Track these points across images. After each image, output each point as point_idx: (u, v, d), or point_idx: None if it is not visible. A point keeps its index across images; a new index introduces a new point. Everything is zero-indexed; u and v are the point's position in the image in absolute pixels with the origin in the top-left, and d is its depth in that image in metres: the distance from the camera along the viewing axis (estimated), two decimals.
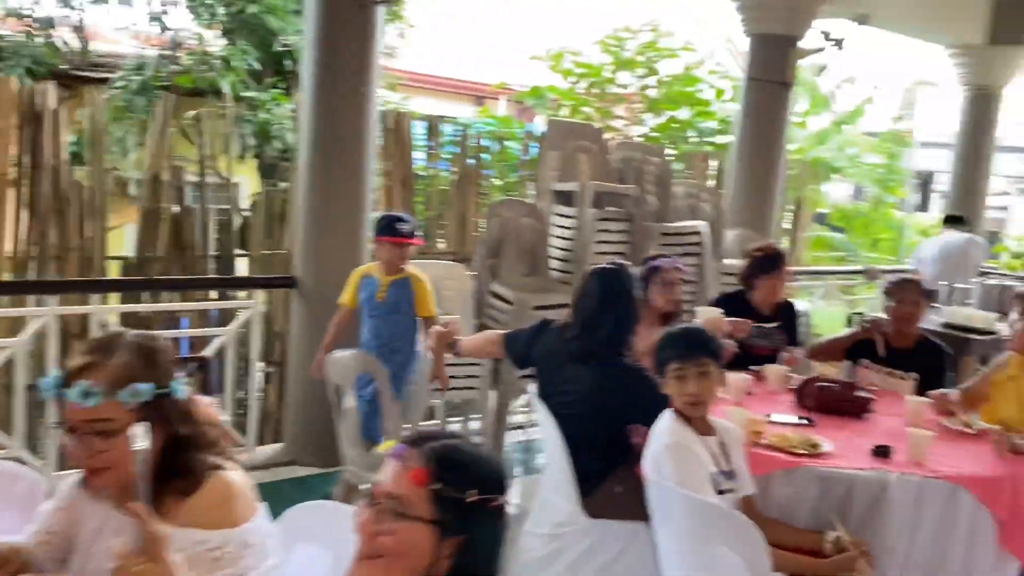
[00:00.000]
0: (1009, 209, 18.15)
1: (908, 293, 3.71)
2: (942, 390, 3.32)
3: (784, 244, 8.91)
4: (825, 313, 6.57)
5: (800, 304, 6.24)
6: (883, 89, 11.59)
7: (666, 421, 2.52)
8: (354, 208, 4.19)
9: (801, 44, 6.10)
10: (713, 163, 8.11)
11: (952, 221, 7.25)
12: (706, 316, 3.29)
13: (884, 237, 12.17)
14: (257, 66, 8.17)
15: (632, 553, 2.87)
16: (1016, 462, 2.76)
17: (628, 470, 2.92)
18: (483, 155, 6.77)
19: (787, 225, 9.03)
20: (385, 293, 3.76)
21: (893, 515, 2.55)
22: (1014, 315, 3.19)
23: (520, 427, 5.05)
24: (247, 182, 8.76)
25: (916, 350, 3.72)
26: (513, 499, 1.33)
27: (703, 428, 2.53)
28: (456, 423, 4.94)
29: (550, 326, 3.10)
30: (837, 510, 2.59)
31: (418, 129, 6.59)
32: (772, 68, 5.99)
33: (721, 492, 2.44)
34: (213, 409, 1.63)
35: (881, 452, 2.73)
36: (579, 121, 6.97)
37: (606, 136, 9.78)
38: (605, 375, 2.88)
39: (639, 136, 10.61)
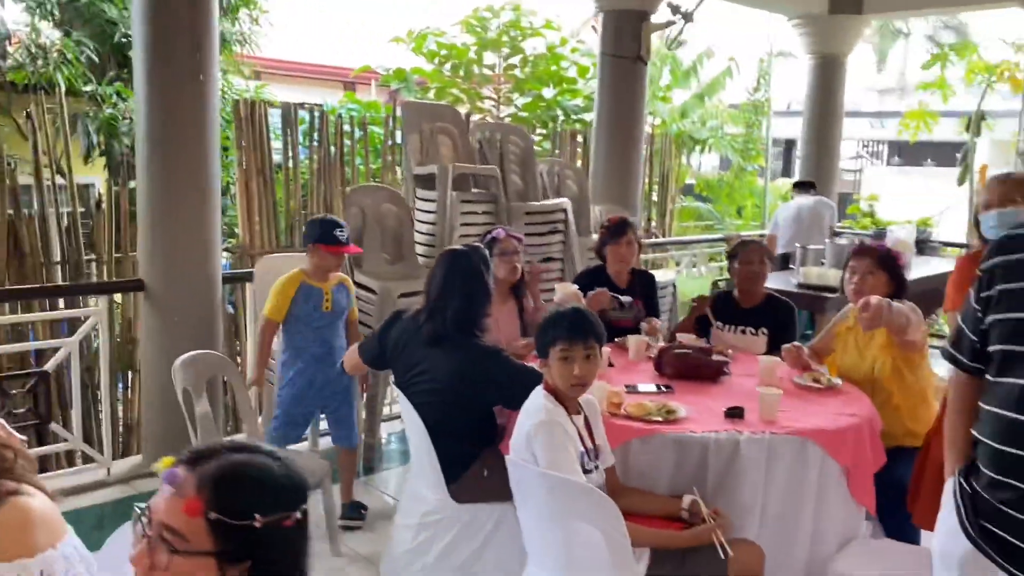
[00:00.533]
0: (863, 171, 19.19)
1: (751, 254, 3.86)
2: (797, 343, 3.45)
3: (653, 217, 9.13)
4: (692, 281, 6.75)
5: (666, 274, 6.41)
6: (741, 61, 11.98)
7: (538, 399, 2.49)
8: (200, 204, 3.99)
9: (654, 18, 6.21)
10: (581, 140, 8.20)
11: (801, 186, 7.58)
12: (563, 291, 3.30)
13: (748, 204, 12.65)
14: (96, 59, 7.69)
15: (502, 534, 2.86)
16: (857, 410, 2.89)
17: (494, 453, 2.91)
18: (346, 142, 6.60)
19: (656, 198, 9.25)
20: (331, 301, 3.65)
21: (747, 473, 2.62)
22: (849, 269, 3.34)
23: (398, 417, 4.98)
24: (100, 182, 8.28)
25: (765, 307, 3.87)
26: (304, 508, 1.20)
27: (573, 408, 2.53)
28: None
29: (402, 316, 3.05)
30: (694, 473, 2.64)
31: (276, 118, 6.36)
32: (626, 43, 6.07)
33: (587, 471, 2.45)
34: (4, 430, 1.49)
35: (734, 413, 2.80)
36: (436, 102, 6.89)
37: (475, 117, 9.77)
38: (460, 357, 2.85)
39: (507, 116, 10.62)
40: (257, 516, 1.11)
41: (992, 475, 1.74)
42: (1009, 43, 9.45)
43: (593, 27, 14.77)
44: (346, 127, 6.60)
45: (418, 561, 2.93)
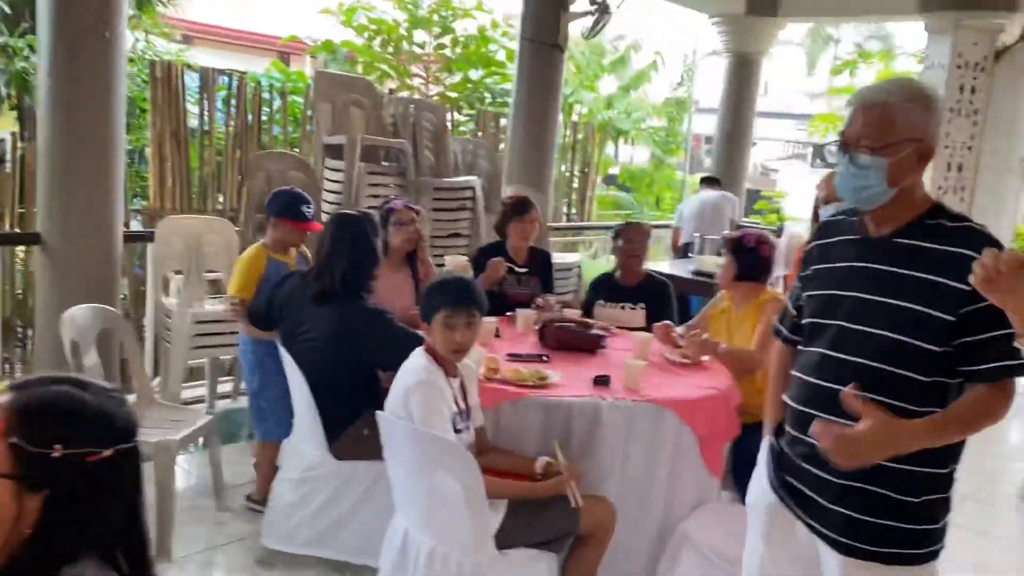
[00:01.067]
0: (780, 170, 19.82)
1: (631, 234, 4.10)
2: (666, 321, 3.66)
3: (573, 201, 9.34)
4: (596, 264, 6.97)
5: (574, 256, 6.60)
6: (670, 57, 12.27)
7: (418, 359, 2.62)
8: (102, 161, 3.98)
9: (573, 8, 6.36)
10: (504, 123, 8.32)
11: (708, 182, 7.86)
12: (453, 263, 3.43)
13: (667, 196, 12.99)
14: (9, 10, 7.49)
15: (380, 490, 2.98)
16: (716, 383, 3.10)
17: (375, 412, 3.03)
18: (264, 109, 6.60)
19: (576, 184, 9.45)
20: None
21: (607, 437, 2.81)
22: (723, 256, 3.56)
23: None
24: (9, 137, 8.05)
25: (644, 285, 4.11)
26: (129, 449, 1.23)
27: (451, 370, 2.66)
28: (229, 382, 4.88)
29: (292, 275, 3.15)
30: (560, 436, 2.81)
31: (196, 82, 6.33)
32: (545, 30, 6.20)
33: (458, 431, 2.59)
34: None
35: (601, 381, 2.98)
36: (350, 74, 6.90)
37: (403, 94, 9.79)
38: (343, 317, 2.96)
39: (435, 95, 10.68)
40: (56, 447, 1.13)
41: (793, 433, 1.95)
42: (913, 54, 9.94)
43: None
44: (265, 95, 6.60)
45: (298, 513, 3.04)
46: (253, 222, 4.51)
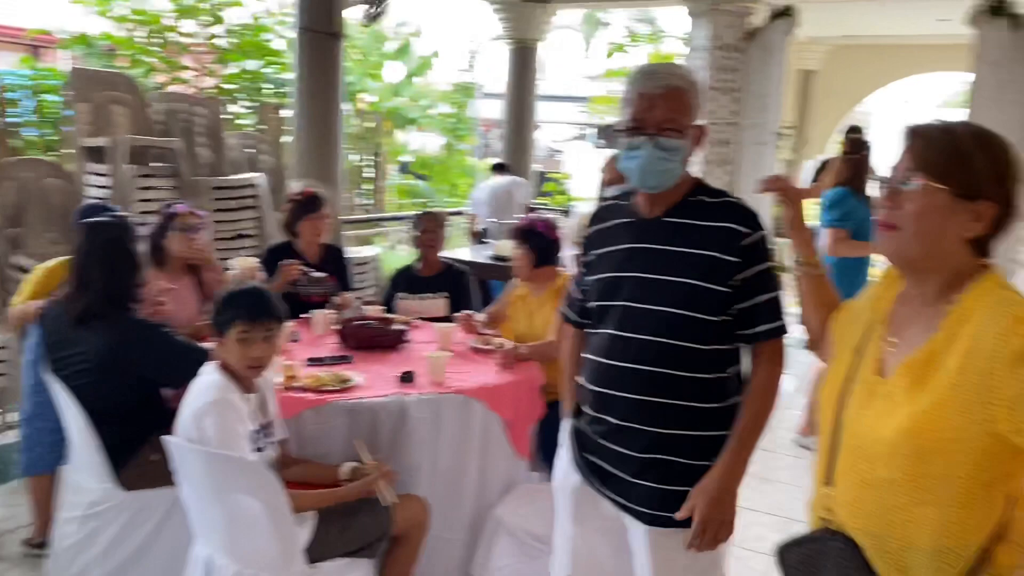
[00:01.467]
0: (564, 152, 20.55)
1: (424, 223, 4.09)
2: (467, 311, 3.67)
3: (369, 193, 9.19)
4: (395, 256, 6.89)
5: (371, 249, 6.49)
6: (457, 43, 12.33)
7: (210, 376, 2.42)
8: None
9: None
10: (286, 114, 8.01)
11: (498, 168, 8.00)
12: (241, 265, 3.22)
13: (461, 183, 13.08)
14: None
15: (176, 519, 2.78)
16: (520, 370, 3.15)
17: (163, 434, 2.81)
18: (12, 110, 5.97)
19: (369, 174, 9.30)
20: None
21: (416, 433, 2.77)
22: (515, 247, 3.59)
23: None
24: None
25: (443, 275, 4.11)
26: None
27: (248, 386, 2.50)
28: None
29: (53, 303, 2.85)
30: (367, 438, 2.74)
31: None
32: (321, 19, 6.00)
33: (259, 449, 2.45)
34: None
35: (406, 378, 2.93)
36: (109, 70, 6.37)
37: (172, 88, 9.17)
38: (113, 335, 2.70)
39: (211, 88, 10.10)
40: None
41: (591, 413, 2.00)
42: (680, 37, 10.61)
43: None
44: (12, 95, 5.96)
45: (84, 555, 2.77)
46: (4, 238, 4.05)
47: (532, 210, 7.71)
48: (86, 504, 2.79)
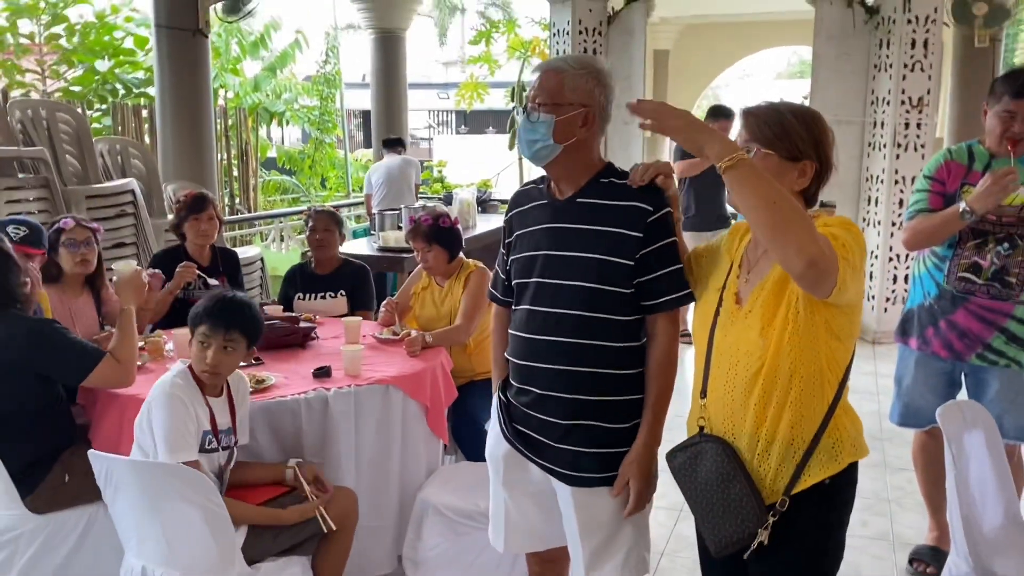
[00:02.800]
0: (434, 139, 20.59)
1: (316, 222, 4.07)
2: (389, 299, 3.73)
3: (236, 192, 8.95)
4: (279, 255, 6.79)
5: (252, 249, 6.37)
6: (310, 33, 12.07)
7: (172, 373, 2.50)
8: None
9: None
10: (146, 116, 7.70)
11: (390, 144, 7.90)
12: (120, 270, 3.04)
13: (331, 175, 12.91)
14: None
15: (94, 536, 2.74)
16: (429, 356, 3.24)
17: (75, 453, 2.74)
18: None
19: (237, 173, 9.05)
20: None
21: (339, 426, 2.81)
22: (414, 249, 3.67)
23: None
24: None
25: (341, 272, 4.11)
26: None
27: (212, 389, 2.53)
28: None
29: None
30: (292, 435, 2.77)
31: None
32: (182, 15, 5.84)
33: (209, 450, 2.46)
34: None
35: (321, 373, 2.97)
36: None
37: (15, 93, 8.63)
38: (4, 333, 2.59)
39: (56, 91, 9.56)
40: None
41: (517, 385, 2.13)
42: (537, 21, 10.83)
43: None
44: None
45: None
46: None
47: (419, 196, 7.78)
48: None
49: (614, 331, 2.01)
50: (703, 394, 1.88)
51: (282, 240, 8.14)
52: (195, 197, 3.95)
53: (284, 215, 7.90)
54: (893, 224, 6.46)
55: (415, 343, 3.27)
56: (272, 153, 12.22)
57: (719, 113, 5.85)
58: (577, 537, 2.09)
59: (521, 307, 2.10)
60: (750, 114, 1.81)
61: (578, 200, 2.03)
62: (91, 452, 2.34)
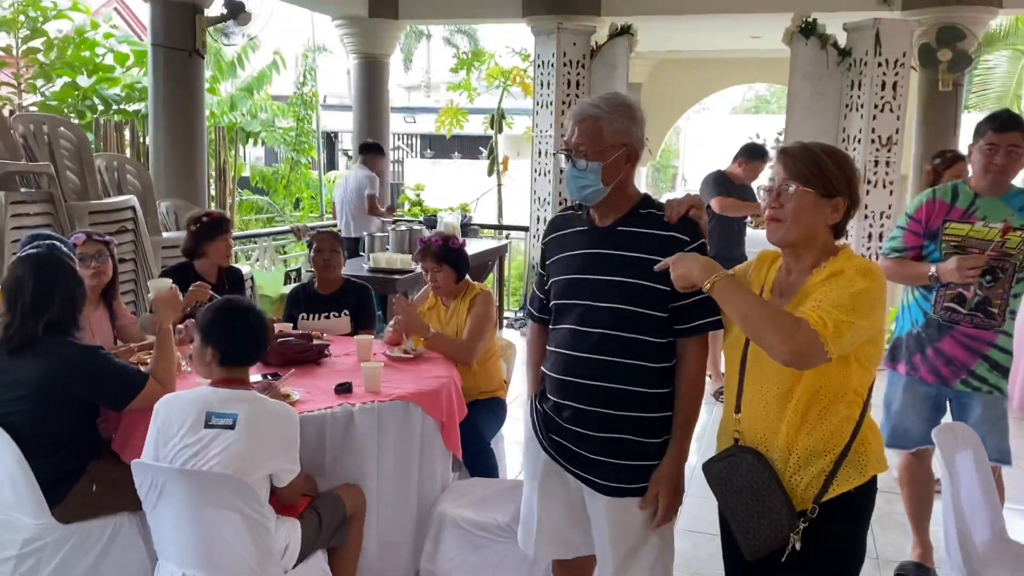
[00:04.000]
0: (403, 163, 20.69)
1: (321, 243, 4.18)
2: (391, 323, 3.83)
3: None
4: (266, 274, 6.83)
5: (243, 269, 6.41)
6: (285, 55, 12.12)
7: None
8: None
9: (208, 12, 6.13)
10: (128, 133, 7.70)
11: (365, 149, 7.69)
12: (156, 287, 3.14)
13: (305, 196, 12.94)
14: None
15: (119, 546, 2.80)
16: (443, 372, 3.35)
17: (101, 465, 2.80)
18: None
19: (214, 192, 9.06)
20: None
21: (361, 440, 2.91)
22: (423, 269, 3.79)
23: None
24: None
25: (344, 291, 4.21)
26: None
27: None
28: None
29: None
30: (312, 450, 2.85)
31: None
32: (179, 35, 5.91)
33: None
34: None
35: (343, 389, 3.06)
36: None
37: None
38: (52, 358, 2.67)
39: (32, 105, 9.50)
40: None
41: (554, 399, 2.26)
42: (517, 51, 11.04)
43: (116, 10, 13.70)
44: None
45: None
46: None
47: (397, 221, 7.86)
48: (21, 542, 2.72)
49: (649, 352, 2.15)
50: (737, 409, 2.03)
51: (258, 260, 8.16)
52: (216, 218, 4.01)
53: (265, 235, 7.93)
54: (863, 256, 6.73)
55: (418, 326, 3.55)
56: (246, 173, 12.22)
57: (755, 154, 5.95)
58: (607, 545, 2.22)
59: (563, 326, 2.23)
60: (787, 154, 1.97)
61: (619, 228, 2.18)
62: (135, 462, 2.41)
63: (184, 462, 2.40)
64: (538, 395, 2.37)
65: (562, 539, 2.37)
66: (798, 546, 1.88)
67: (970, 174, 3.15)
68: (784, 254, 2.03)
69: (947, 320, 3.12)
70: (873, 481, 1.97)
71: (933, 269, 3.03)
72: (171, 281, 3.41)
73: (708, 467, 2.07)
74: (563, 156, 2.17)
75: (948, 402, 3.28)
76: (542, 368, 2.34)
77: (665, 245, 2.12)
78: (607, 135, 2.13)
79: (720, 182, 5.83)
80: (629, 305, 2.13)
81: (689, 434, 2.20)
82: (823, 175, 1.93)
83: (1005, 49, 13.15)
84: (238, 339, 2.58)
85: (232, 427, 2.40)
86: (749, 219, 6.01)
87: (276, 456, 2.47)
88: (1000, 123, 3.01)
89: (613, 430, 2.18)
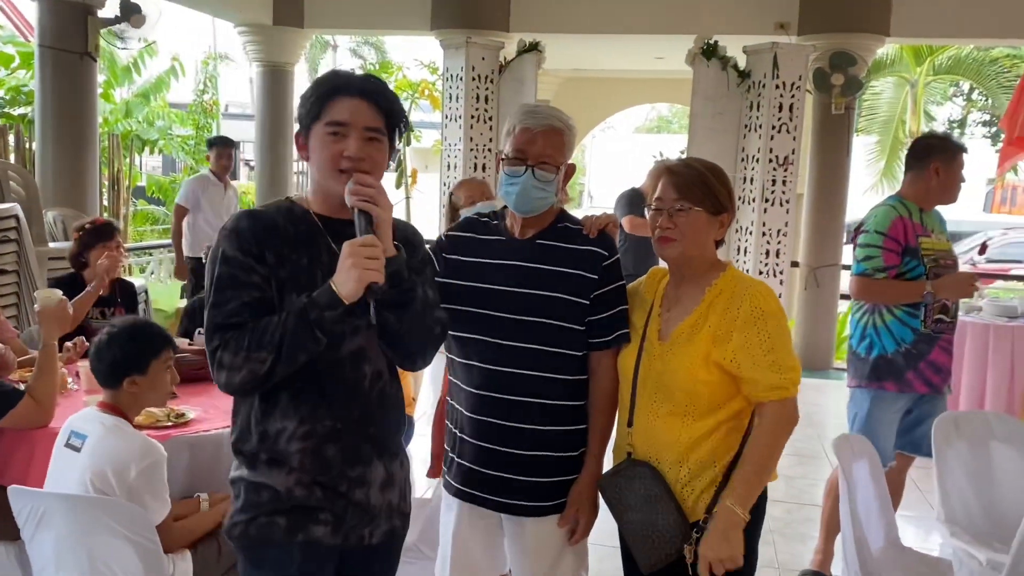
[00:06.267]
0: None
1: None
2: None
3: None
4: (161, 288, 6.56)
5: (136, 281, 6.14)
6: (185, 61, 11.75)
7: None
8: None
9: (102, 13, 5.87)
10: (12, 138, 7.30)
11: (216, 144, 6.92)
12: (44, 300, 2.93)
13: None
14: None
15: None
16: None
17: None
18: None
19: (107, 202, 8.68)
20: None
21: None
22: None
23: None
24: None
25: None
26: None
27: None
28: None
29: None
30: (210, 467, 2.73)
31: None
32: (69, 37, 5.63)
33: None
34: None
35: None
36: None
37: None
38: None
39: None
40: None
41: (473, 415, 2.18)
42: (426, 64, 11.02)
43: (1, 8, 13.04)
44: None
45: None
46: None
47: None
48: None
49: (571, 365, 2.12)
50: (629, 423, 2.06)
51: (152, 273, 7.86)
52: (103, 224, 3.82)
53: (164, 247, 7.63)
54: (760, 273, 6.95)
55: None
56: (142, 182, 11.76)
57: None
58: (528, 563, 2.18)
59: (482, 338, 2.12)
60: (673, 173, 2.02)
61: (539, 242, 2.15)
62: (12, 488, 2.25)
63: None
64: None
65: (476, 567, 2.29)
66: (691, 558, 1.90)
67: (927, 189, 3.24)
68: (671, 270, 2.10)
69: (936, 331, 3.23)
70: (763, 490, 2.00)
71: (929, 287, 3.13)
72: (61, 293, 3.21)
73: (602, 482, 2.09)
74: (515, 164, 2.06)
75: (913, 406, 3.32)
76: (451, 379, 2.26)
77: (585, 259, 2.11)
78: (566, 148, 2.11)
79: (634, 200, 5.83)
80: (553, 319, 2.10)
81: (604, 447, 2.19)
82: (712, 193, 2.00)
83: (890, 76, 13.90)
84: (95, 357, 2.46)
85: (79, 450, 2.28)
86: None
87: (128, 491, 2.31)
88: (962, 147, 3.27)
89: (535, 447, 2.11)
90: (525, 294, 2.11)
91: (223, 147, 6.49)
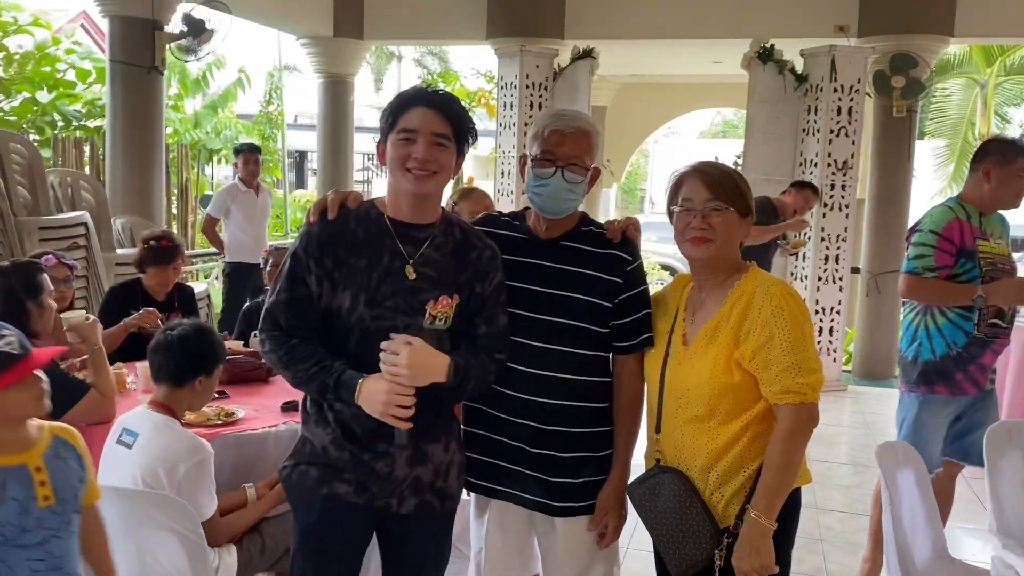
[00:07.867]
0: (371, 182, 20.66)
1: (279, 259, 4.08)
2: None
3: (174, 229, 8.87)
4: (218, 292, 6.77)
5: (199, 286, 6.35)
6: (251, 73, 12.11)
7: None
8: None
9: (168, 28, 6.10)
10: (87, 149, 7.64)
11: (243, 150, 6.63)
12: (71, 322, 3.05)
13: (271, 216, 12.85)
14: None
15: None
16: None
17: None
18: None
19: (176, 210, 8.99)
20: None
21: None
22: None
23: None
24: None
25: None
26: None
27: None
28: None
29: None
30: (252, 468, 2.81)
31: None
32: (137, 52, 5.87)
33: None
34: None
35: (290, 407, 3.03)
36: None
37: None
38: None
39: None
40: None
41: (502, 416, 2.21)
42: (482, 73, 11.12)
43: (83, 26, 13.60)
44: None
45: None
46: None
47: None
48: None
49: (599, 367, 2.14)
50: (657, 430, 2.06)
51: (216, 278, 8.09)
52: (166, 248, 3.93)
53: (216, 254, 7.85)
54: (820, 279, 6.83)
55: None
56: (209, 191, 12.11)
57: (805, 185, 6.05)
58: (560, 566, 2.19)
59: (514, 339, 2.11)
60: (704, 173, 2.01)
61: (563, 243, 2.17)
62: None
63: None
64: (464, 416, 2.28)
65: (510, 568, 2.31)
66: (721, 563, 1.89)
67: (982, 193, 3.16)
68: (696, 272, 2.09)
69: (991, 335, 3.16)
70: (796, 493, 1.98)
71: (980, 292, 3.06)
72: (84, 314, 3.28)
73: (632, 489, 2.09)
74: (544, 166, 2.07)
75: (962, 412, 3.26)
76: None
77: (607, 263, 2.12)
78: (594, 150, 2.14)
79: (764, 209, 5.60)
80: (573, 319, 2.11)
81: (631, 449, 2.19)
82: (742, 194, 2.02)
83: (959, 77, 13.48)
84: (165, 352, 2.55)
85: (130, 447, 2.37)
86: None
87: (177, 487, 2.39)
88: (1020, 150, 3.16)
89: (571, 449, 2.13)
90: (558, 296, 2.12)
91: (249, 153, 6.59)
